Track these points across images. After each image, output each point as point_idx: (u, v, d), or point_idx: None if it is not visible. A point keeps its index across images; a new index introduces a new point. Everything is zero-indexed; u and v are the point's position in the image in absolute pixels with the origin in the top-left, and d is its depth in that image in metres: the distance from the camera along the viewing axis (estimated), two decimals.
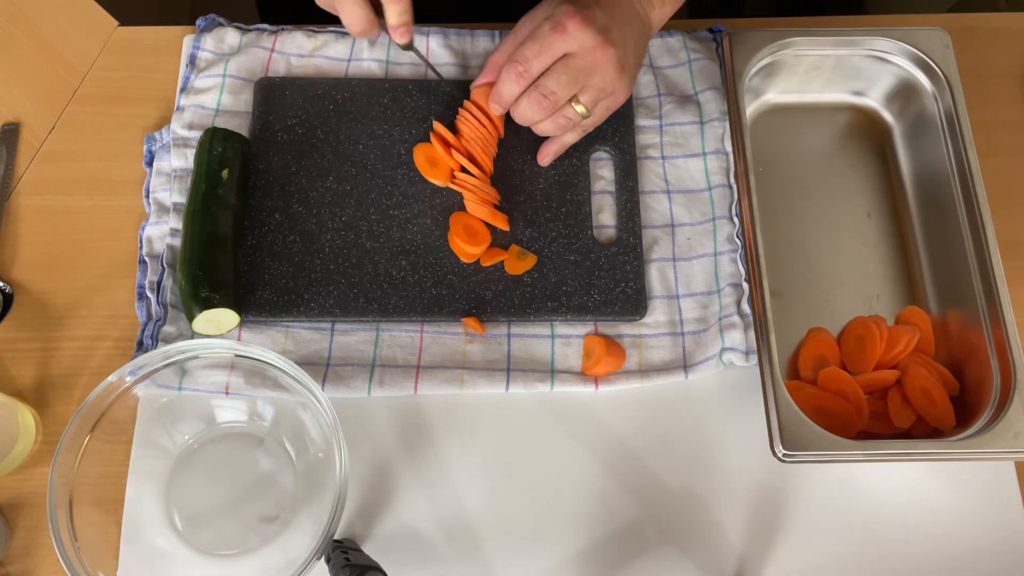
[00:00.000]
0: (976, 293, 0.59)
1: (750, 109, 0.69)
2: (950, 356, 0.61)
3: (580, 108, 0.58)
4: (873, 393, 0.60)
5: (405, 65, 0.70)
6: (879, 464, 0.59)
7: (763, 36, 0.66)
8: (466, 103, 0.64)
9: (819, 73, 0.69)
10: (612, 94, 0.59)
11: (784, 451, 0.53)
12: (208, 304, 0.57)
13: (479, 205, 0.62)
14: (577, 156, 0.66)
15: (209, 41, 0.69)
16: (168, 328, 0.60)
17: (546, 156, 0.64)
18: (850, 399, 0.59)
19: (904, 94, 0.68)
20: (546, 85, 0.57)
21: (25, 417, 0.58)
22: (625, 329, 0.62)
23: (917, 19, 0.74)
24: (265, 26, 0.70)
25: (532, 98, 0.58)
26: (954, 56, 0.65)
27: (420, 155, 0.64)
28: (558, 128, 0.60)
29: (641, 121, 0.68)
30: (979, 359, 0.59)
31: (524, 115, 0.59)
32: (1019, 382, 0.55)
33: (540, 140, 0.65)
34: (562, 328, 0.62)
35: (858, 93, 0.70)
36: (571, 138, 0.63)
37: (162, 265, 0.62)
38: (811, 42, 0.66)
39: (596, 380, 0.60)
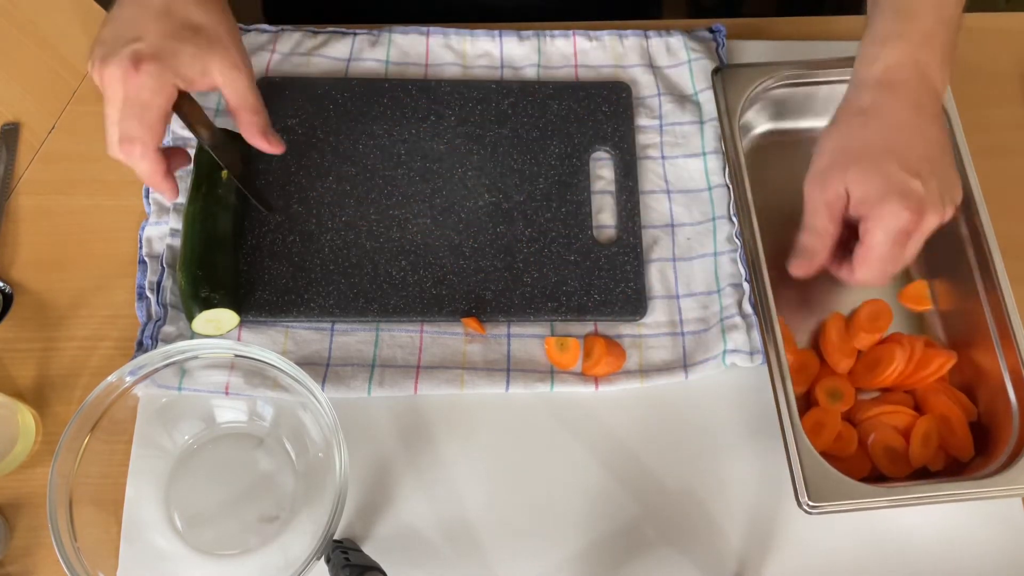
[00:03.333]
0: (986, 314, 0.59)
1: (745, 142, 0.69)
2: (962, 381, 0.61)
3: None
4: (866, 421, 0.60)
5: (405, 65, 0.70)
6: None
7: (753, 72, 0.66)
8: None
9: (812, 103, 0.68)
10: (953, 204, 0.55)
11: (810, 503, 0.52)
12: (208, 304, 0.57)
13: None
14: (577, 156, 0.66)
15: None
16: (168, 328, 0.60)
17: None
18: (843, 438, 0.59)
19: None
20: (902, 260, 0.54)
21: (25, 417, 0.58)
22: (625, 329, 0.62)
23: None
24: (265, 26, 0.70)
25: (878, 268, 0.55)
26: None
27: None
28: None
29: (641, 121, 0.68)
30: (992, 381, 0.58)
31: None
32: None
33: (543, 139, 0.65)
34: (562, 328, 0.62)
35: None
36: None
37: (162, 265, 0.62)
38: (800, 74, 0.66)
39: (596, 380, 0.60)
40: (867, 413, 0.59)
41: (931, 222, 0.53)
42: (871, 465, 0.58)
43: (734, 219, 0.64)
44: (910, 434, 0.58)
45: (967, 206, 0.61)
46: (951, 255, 0.63)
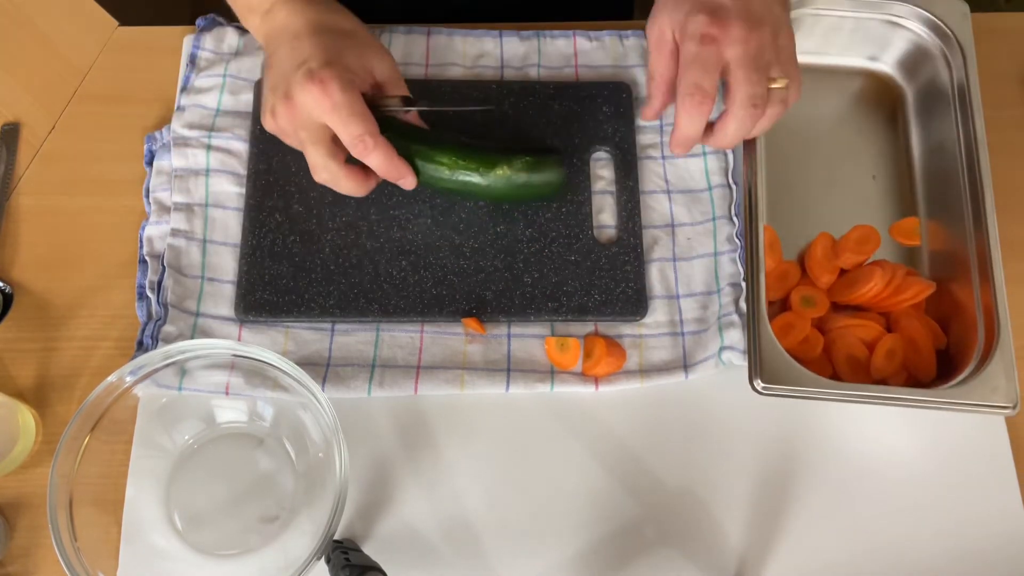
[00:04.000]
0: (970, 256, 0.61)
1: None
2: (938, 313, 0.62)
3: (779, 83, 0.54)
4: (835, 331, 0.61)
5: (406, 65, 0.70)
6: (876, 447, 0.60)
7: None
8: None
9: (837, 36, 0.69)
10: (779, 54, 0.55)
11: (763, 385, 0.54)
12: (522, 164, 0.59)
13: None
14: (577, 156, 0.66)
15: (209, 41, 0.69)
16: (168, 328, 0.60)
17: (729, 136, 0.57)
18: (809, 341, 0.60)
19: (919, 61, 0.69)
20: (746, 93, 0.53)
21: (25, 417, 0.58)
22: (625, 329, 0.62)
23: None
24: None
25: (740, 117, 0.54)
26: (971, 27, 0.66)
27: None
28: (777, 116, 0.56)
29: (641, 121, 0.68)
30: (965, 317, 0.60)
31: (734, 137, 0.55)
32: (1002, 341, 0.56)
33: (543, 139, 0.65)
34: (562, 328, 0.62)
35: (874, 58, 0.71)
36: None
37: (163, 265, 0.62)
38: (831, 2, 0.67)
39: (596, 380, 0.60)
40: (837, 323, 0.61)
41: (736, 33, 0.53)
42: (832, 371, 0.60)
43: (735, 219, 0.64)
44: (875, 347, 0.60)
45: (971, 175, 0.62)
46: (946, 197, 0.64)
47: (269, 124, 0.56)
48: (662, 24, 0.56)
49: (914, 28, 0.68)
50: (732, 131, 0.55)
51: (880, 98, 0.71)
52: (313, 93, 0.52)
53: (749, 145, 0.62)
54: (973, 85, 0.64)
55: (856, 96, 0.71)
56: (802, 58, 0.68)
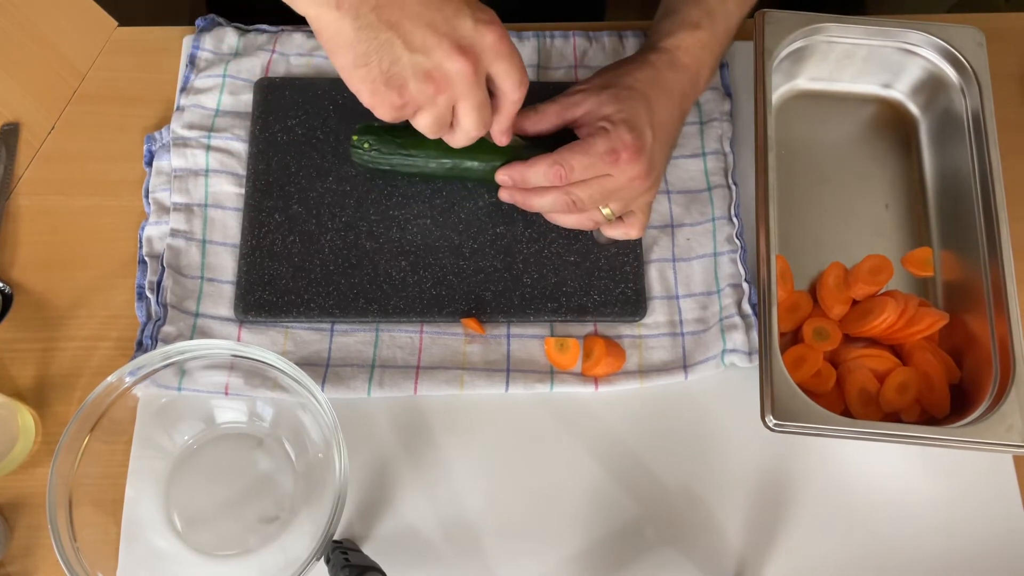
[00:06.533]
0: (985, 288, 0.60)
1: (779, 92, 0.70)
2: (952, 346, 0.62)
3: (607, 211, 0.58)
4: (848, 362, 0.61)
5: None
6: (873, 453, 0.60)
7: (796, 19, 0.65)
8: None
9: (851, 62, 0.69)
10: (636, 200, 0.58)
11: (775, 421, 0.53)
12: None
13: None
14: None
15: (209, 41, 0.69)
16: (168, 328, 0.60)
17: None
18: (822, 375, 0.59)
19: (933, 89, 0.68)
20: (577, 195, 0.56)
21: (25, 417, 0.58)
22: (625, 329, 0.62)
23: (918, 19, 0.73)
24: (264, 27, 0.70)
25: (560, 200, 0.57)
26: (987, 55, 0.65)
27: None
28: (580, 224, 0.59)
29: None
30: (979, 350, 0.59)
31: (541, 207, 0.58)
32: (1018, 376, 0.55)
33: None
34: (562, 328, 0.62)
35: (887, 86, 0.70)
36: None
37: (162, 265, 0.62)
38: (844, 29, 0.66)
39: (596, 380, 0.60)
40: (849, 354, 0.60)
41: (633, 170, 0.55)
42: (844, 405, 0.59)
43: (735, 219, 0.64)
44: (886, 380, 0.59)
45: (986, 206, 0.61)
46: (960, 228, 0.63)
47: (421, 90, 0.48)
48: (587, 99, 0.57)
49: (928, 56, 0.67)
50: (547, 201, 0.57)
51: (893, 125, 0.70)
52: (491, 36, 0.48)
53: (760, 172, 0.61)
54: (988, 115, 0.63)
55: (869, 123, 0.70)
56: (815, 85, 0.70)
